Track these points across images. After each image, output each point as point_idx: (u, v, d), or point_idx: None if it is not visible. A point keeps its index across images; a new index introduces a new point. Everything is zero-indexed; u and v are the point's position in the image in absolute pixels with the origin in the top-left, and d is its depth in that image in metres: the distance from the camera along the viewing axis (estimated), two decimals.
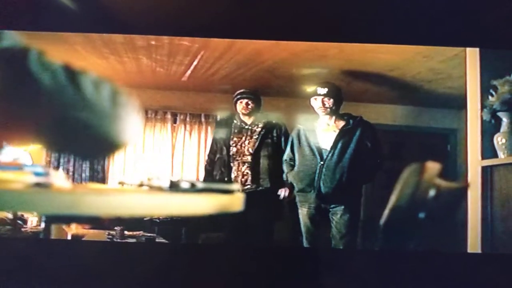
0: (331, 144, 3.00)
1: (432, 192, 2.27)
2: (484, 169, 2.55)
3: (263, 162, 3.22)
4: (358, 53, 3.20)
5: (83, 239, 3.02)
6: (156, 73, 3.66)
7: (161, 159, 4.09)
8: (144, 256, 2.36)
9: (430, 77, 3.48)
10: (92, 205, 0.84)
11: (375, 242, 2.91)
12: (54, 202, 0.82)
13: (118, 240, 3.01)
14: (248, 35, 2.64)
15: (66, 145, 0.95)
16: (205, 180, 3.37)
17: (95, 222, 3.10)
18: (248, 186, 3.19)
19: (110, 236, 3.07)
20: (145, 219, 3.29)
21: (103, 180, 3.96)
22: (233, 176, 3.23)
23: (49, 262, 2.20)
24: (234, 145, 3.26)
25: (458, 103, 2.86)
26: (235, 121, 3.31)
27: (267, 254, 2.37)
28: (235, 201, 1.05)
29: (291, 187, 3.14)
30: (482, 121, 2.58)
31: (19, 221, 3.13)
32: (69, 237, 3.03)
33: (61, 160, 3.87)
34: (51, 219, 2.93)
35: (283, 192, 3.18)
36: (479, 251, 2.49)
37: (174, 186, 1.01)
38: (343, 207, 2.97)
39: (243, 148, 3.24)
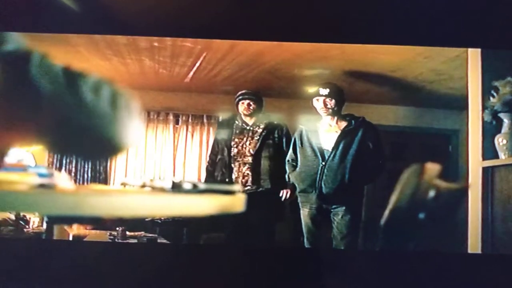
0: (333, 144, 3.00)
1: (432, 193, 2.27)
2: (485, 170, 2.55)
3: (264, 163, 3.22)
4: (359, 54, 3.20)
5: (85, 239, 3.03)
6: (158, 75, 3.66)
7: (163, 160, 4.10)
8: (146, 257, 2.36)
9: (432, 78, 3.48)
10: (95, 206, 0.84)
11: (375, 242, 2.91)
12: (57, 203, 0.83)
13: (120, 241, 3.02)
14: (250, 36, 2.65)
15: (68, 146, 0.96)
16: (206, 181, 3.37)
17: (98, 222, 3.11)
18: (249, 187, 3.19)
19: (111, 237, 3.08)
20: (146, 219, 3.30)
21: (105, 181, 3.97)
22: (234, 177, 3.24)
23: (51, 262, 2.21)
24: (235, 146, 3.26)
25: (460, 104, 2.86)
26: (236, 122, 3.31)
27: (268, 255, 2.38)
28: (236, 202, 1.05)
29: (292, 188, 3.14)
30: (483, 122, 2.58)
31: (21, 222, 3.14)
32: (70, 238, 3.04)
33: (64, 161, 3.88)
34: (53, 220, 2.95)
35: (284, 193, 3.18)
36: (480, 251, 2.49)
37: (176, 187, 1.02)
38: (344, 208, 2.97)
39: (244, 149, 3.24)
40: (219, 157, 3.31)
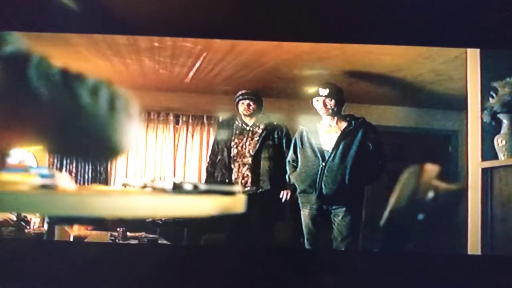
0: (333, 145, 3.00)
1: (430, 194, 2.27)
2: (484, 171, 2.56)
3: (264, 164, 3.21)
4: (359, 54, 3.20)
5: (86, 240, 3.03)
6: (158, 75, 3.67)
7: (164, 160, 4.10)
8: (146, 257, 2.37)
9: (431, 78, 3.49)
10: (96, 206, 0.85)
11: (375, 243, 2.92)
12: (59, 203, 0.83)
13: (121, 242, 3.02)
14: (250, 36, 2.65)
15: (67, 148, 0.97)
16: (206, 181, 3.37)
17: (99, 223, 3.12)
18: (248, 188, 3.18)
19: (112, 238, 3.08)
20: (147, 220, 3.30)
21: (106, 181, 3.98)
22: (233, 178, 3.24)
23: (52, 263, 2.21)
24: (235, 146, 3.26)
25: (459, 104, 2.86)
26: (236, 122, 3.30)
27: (269, 255, 2.38)
28: (237, 203, 1.06)
29: (293, 189, 3.14)
30: (483, 123, 2.59)
31: (22, 223, 3.14)
32: (71, 239, 3.05)
33: (64, 162, 3.88)
34: (55, 221, 2.95)
35: (285, 194, 3.18)
36: (479, 252, 2.49)
37: (177, 188, 1.02)
38: (344, 208, 2.96)
39: (243, 149, 3.24)
40: (219, 157, 3.30)
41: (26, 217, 3.16)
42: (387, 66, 3.34)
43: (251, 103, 3.28)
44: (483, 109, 2.59)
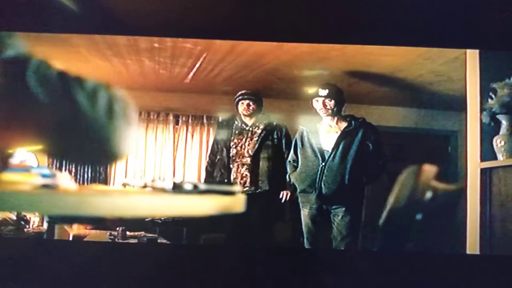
0: (333, 145, 3.00)
1: (428, 194, 2.28)
2: (483, 171, 2.56)
3: (263, 164, 3.21)
4: (359, 55, 3.21)
5: (85, 239, 3.04)
6: (159, 75, 3.67)
7: (163, 160, 4.11)
8: (146, 257, 2.37)
9: (431, 79, 3.49)
10: (97, 206, 0.85)
11: (374, 242, 2.92)
12: (60, 203, 0.84)
13: (120, 241, 3.03)
14: (250, 37, 2.65)
15: (66, 152, 0.97)
16: (205, 181, 3.37)
17: (99, 222, 3.12)
18: (247, 188, 3.17)
19: (112, 237, 3.08)
20: (146, 219, 3.31)
21: (105, 181, 3.98)
22: (232, 177, 3.24)
23: (51, 262, 2.22)
24: (234, 146, 3.25)
25: (459, 105, 2.87)
26: (236, 122, 3.30)
27: (268, 255, 2.38)
28: (236, 203, 1.06)
29: (293, 190, 3.14)
30: (481, 124, 2.59)
31: (21, 222, 3.15)
32: (70, 238, 3.05)
33: (64, 162, 3.88)
34: (55, 220, 2.96)
35: (284, 195, 3.18)
36: (478, 252, 2.50)
37: (177, 188, 1.03)
38: (344, 208, 2.96)
39: (242, 149, 3.23)
40: (218, 157, 3.30)
41: (25, 216, 3.17)
42: (387, 66, 3.35)
43: (251, 103, 3.28)
44: (482, 110, 2.59)
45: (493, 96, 2.56)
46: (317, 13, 2.36)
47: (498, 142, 2.56)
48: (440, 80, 3.45)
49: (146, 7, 2.32)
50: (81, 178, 3.92)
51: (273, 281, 2.26)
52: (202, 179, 3.75)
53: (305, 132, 3.10)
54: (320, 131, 3.09)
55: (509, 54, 2.52)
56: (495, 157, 2.57)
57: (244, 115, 3.29)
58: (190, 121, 4.16)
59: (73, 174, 3.89)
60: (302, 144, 3.09)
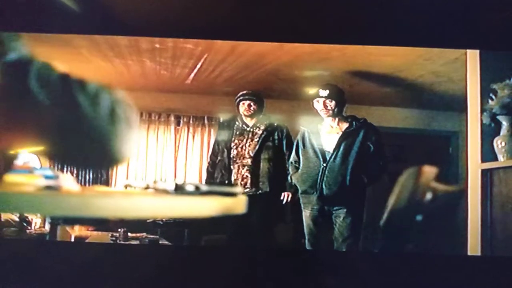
0: (334, 146, 3.00)
1: (429, 195, 2.28)
2: (484, 172, 2.56)
3: (263, 165, 3.20)
4: (360, 55, 3.21)
5: (87, 241, 3.04)
6: (160, 76, 3.67)
7: (165, 161, 4.11)
8: (147, 258, 2.37)
9: (431, 80, 3.49)
10: (99, 207, 0.86)
11: (375, 243, 2.92)
12: (63, 204, 0.84)
13: (122, 242, 3.03)
14: (251, 37, 2.66)
15: (67, 156, 0.97)
16: (206, 182, 3.37)
17: (101, 224, 3.13)
18: (248, 189, 3.17)
19: (113, 238, 3.09)
20: (148, 221, 3.31)
21: (107, 182, 3.98)
22: (233, 178, 3.23)
23: (53, 263, 2.22)
24: (235, 147, 3.25)
25: (460, 106, 2.87)
26: (237, 123, 3.30)
27: (269, 256, 2.38)
28: (237, 204, 1.06)
29: (294, 191, 3.14)
30: (482, 125, 2.59)
31: (23, 223, 3.15)
32: (72, 239, 3.05)
33: (66, 164, 3.88)
34: (58, 221, 2.96)
35: (285, 196, 3.18)
36: (479, 253, 2.50)
37: (179, 189, 1.03)
38: (345, 209, 2.96)
39: (243, 150, 3.22)
40: (219, 158, 3.29)
41: (27, 217, 3.17)
42: (388, 67, 3.35)
43: (251, 104, 3.27)
44: (482, 111, 2.59)
45: (493, 97, 2.56)
46: (318, 13, 2.36)
47: (499, 143, 2.56)
48: (441, 80, 3.46)
49: (146, 8, 2.32)
50: (83, 180, 3.91)
51: (275, 282, 2.26)
52: (203, 180, 3.74)
53: (307, 133, 3.10)
54: (321, 132, 3.08)
55: (509, 54, 2.52)
56: (495, 158, 2.57)
57: (245, 115, 3.28)
58: (191, 122, 4.16)
59: (74, 175, 3.89)
60: (304, 145, 3.09)
